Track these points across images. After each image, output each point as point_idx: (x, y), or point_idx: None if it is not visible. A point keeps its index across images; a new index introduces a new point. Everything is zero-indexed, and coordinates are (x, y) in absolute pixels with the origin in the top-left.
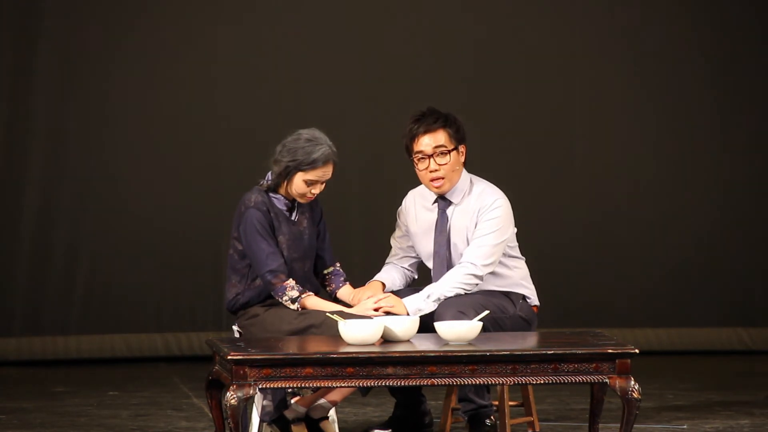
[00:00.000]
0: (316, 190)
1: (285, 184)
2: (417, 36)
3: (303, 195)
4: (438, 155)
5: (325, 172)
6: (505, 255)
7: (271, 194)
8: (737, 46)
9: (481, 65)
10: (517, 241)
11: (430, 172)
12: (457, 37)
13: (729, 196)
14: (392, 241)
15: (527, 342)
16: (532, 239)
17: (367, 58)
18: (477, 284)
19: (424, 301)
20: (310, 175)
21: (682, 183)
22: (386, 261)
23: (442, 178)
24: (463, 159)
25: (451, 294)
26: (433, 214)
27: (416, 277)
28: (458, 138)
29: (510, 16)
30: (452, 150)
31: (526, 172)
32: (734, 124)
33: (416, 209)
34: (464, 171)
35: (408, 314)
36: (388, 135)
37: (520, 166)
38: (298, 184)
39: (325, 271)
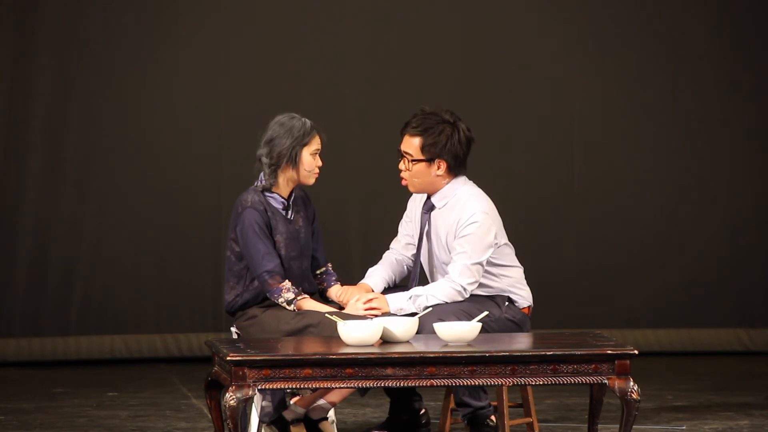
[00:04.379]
0: (319, 162)
1: (293, 169)
2: (418, 35)
3: (312, 170)
4: (405, 160)
5: (319, 140)
6: (491, 265)
7: (266, 194)
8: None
9: (482, 65)
10: (514, 246)
11: (400, 170)
12: (459, 36)
13: (728, 196)
14: (399, 226)
15: (526, 343)
16: (532, 240)
17: (368, 58)
18: (461, 299)
19: (407, 301)
20: (313, 145)
21: (681, 184)
22: (390, 246)
23: (405, 179)
24: (440, 171)
25: (433, 302)
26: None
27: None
28: (434, 151)
29: (515, 16)
30: (420, 161)
31: (523, 172)
32: (734, 126)
33: (421, 199)
34: (460, 178)
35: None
36: (387, 135)
37: (517, 166)
38: (307, 159)
39: (318, 271)
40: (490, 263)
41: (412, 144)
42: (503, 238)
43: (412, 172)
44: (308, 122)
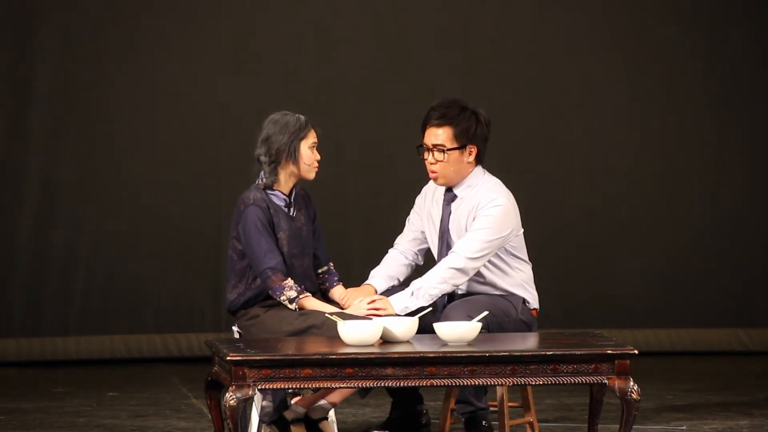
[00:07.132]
0: (318, 155)
1: (293, 164)
2: (418, 35)
3: (312, 164)
4: (436, 151)
5: (314, 133)
6: (508, 254)
7: (268, 191)
8: (734, 46)
9: (481, 62)
10: (525, 245)
11: (429, 164)
12: (458, 34)
13: (728, 196)
14: (407, 221)
15: (526, 343)
16: (532, 239)
17: (367, 58)
18: (462, 279)
19: (410, 298)
20: (310, 139)
21: (681, 183)
22: (395, 242)
23: (436, 172)
24: (470, 158)
25: (436, 291)
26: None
27: (421, 263)
28: (466, 137)
29: (516, 13)
30: (453, 149)
31: (523, 173)
32: (732, 124)
33: (432, 195)
34: (479, 168)
35: (396, 315)
36: (388, 134)
37: (519, 166)
38: (306, 153)
39: (320, 270)
40: (508, 253)
41: (441, 135)
42: (520, 231)
43: (448, 162)
44: (302, 117)
